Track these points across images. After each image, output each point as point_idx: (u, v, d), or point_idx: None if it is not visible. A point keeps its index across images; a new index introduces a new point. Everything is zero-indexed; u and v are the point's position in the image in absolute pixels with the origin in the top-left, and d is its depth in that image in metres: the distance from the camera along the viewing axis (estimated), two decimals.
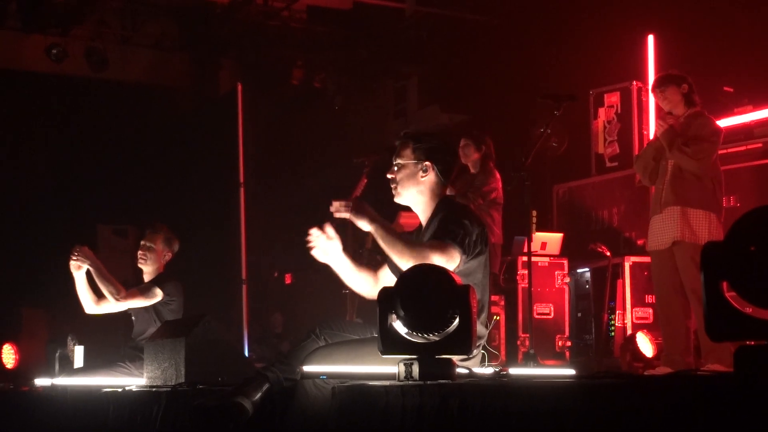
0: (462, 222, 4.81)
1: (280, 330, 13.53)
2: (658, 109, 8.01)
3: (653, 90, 7.39)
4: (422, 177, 5.00)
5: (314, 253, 5.08)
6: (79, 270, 7.56)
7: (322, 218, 5.12)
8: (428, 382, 3.97)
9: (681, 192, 7.05)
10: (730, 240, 3.26)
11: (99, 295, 7.68)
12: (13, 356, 9.36)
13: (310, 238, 5.06)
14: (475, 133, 9.45)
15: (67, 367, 7.58)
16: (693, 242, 6.93)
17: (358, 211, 4.84)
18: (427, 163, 5.00)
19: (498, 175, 9.18)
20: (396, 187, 5.04)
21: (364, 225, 4.87)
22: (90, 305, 7.74)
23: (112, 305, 7.67)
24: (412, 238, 5.05)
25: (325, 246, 5.07)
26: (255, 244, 11.26)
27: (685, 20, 10.20)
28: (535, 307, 9.38)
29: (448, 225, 4.82)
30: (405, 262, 4.69)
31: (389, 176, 5.07)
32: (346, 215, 4.89)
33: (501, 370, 4.67)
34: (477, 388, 3.76)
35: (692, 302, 6.98)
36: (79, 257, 7.48)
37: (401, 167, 5.02)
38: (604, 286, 9.36)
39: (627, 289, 9.28)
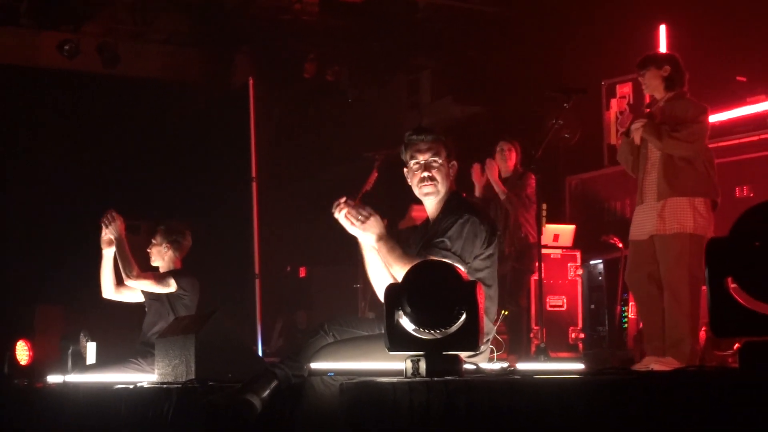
0: (462, 228, 4.78)
1: (304, 327, 13.56)
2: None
3: (637, 73, 7.07)
4: (451, 176, 5.02)
5: (346, 221, 4.83)
6: (109, 246, 7.60)
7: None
8: (435, 379, 3.96)
9: (675, 181, 6.76)
10: (734, 235, 3.24)
11: (120, 281, 7.73)
12: (27, 353, 9.37)
13: (342, 204, 4.82)
14: (510, 137, 9.50)
15: (79, 363, 7.61)
16: (674, 232, 6.71)
17: (368, 224, 4.78)
18: (454, 162, 5.02)
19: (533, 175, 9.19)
20: (436, 185, 4.98)
21: (371, 240, 4.81)
22: (109, 289, 7.81)
23: (131, 293, 7.75)
24: (411, 252, 4.96)
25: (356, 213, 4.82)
26: (267, 239, 11.26)
27: (698, 10, 10.15)
28: (548, 300, 9.39)
29: (444, 233, 4.80)
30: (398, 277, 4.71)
31: (427, 174, 4.96)
32: (350, 225, 4.81)
33: (508, 366, 4.66)
34: (484, 384, 3.75)
35: (667, 296, 6.75)
36: (111, 223, 7.53)
37: (441, 166, 4.99)
38: (617, 278, 9.33)
39: None
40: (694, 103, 6.91)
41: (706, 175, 6.77)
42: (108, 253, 7.69)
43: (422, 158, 4.99)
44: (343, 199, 4.84)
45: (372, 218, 4.80)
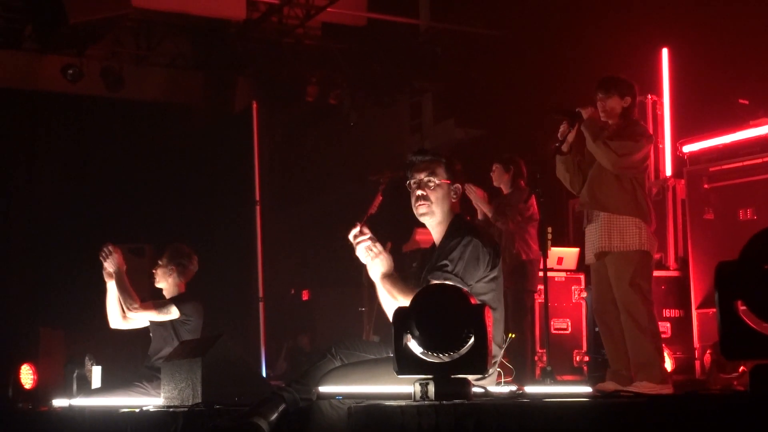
0: (465, 250, 4.79)
1: (309, 350, 13.55)
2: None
3: (596, 91, 6.92)
4: (453, 198, 5.01)
5: (360, 251, 4.81)
6: (112, 279, 7.60)
7: (338, 234, 5.08)
8: (444, 402, 3.96)
9: (599, 195, 6.73)
10: (744, 259, 3.25)
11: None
12: (32, 376, 9.37)
13: (355, 233, 4.80)
14: (506, 156, 9.54)
15: (84, 387, 7.60)
16: (621, 250, 6.61)
17: (377, 260, 4.77)
18: (458, 185, 5.01)
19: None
20: (430, 206, 4.97)
21: (375, 275, 4.81)
22: (116, 319, 7.79)
23: (134, 320, 7.72)
24: (413, 282, 4.96)
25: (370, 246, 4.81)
26: (271, 261, 11.27)
27: (700, 33, 10.18)
28: (552, 322, 9.38)
29: (446, 256, 4.81)
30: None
31: (421, 193, 4.97)
32: (363, 256, 4.79)
33: (517, 389, 4.66)
34: (493, 407, 3.75)
35: (624, 318, 6.60)
36: (108, 257, 7.52)
37: (437, 186, 4.97)
38: None
39: None
40: (641, 126, 6.93)
41: (632, 194, 6.67)
42: (112, 286, 7.68)
43: (418, 177, 5.00)
44: (358, 229, 4.80)
45: (381, 256, 4.78)
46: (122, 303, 7.56)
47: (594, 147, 6.73)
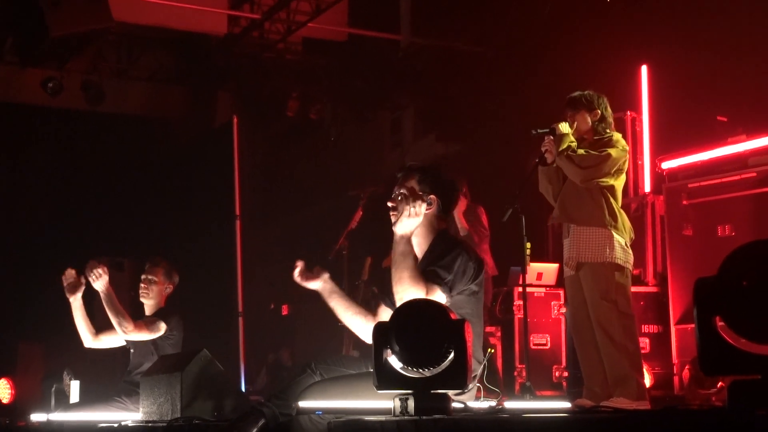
0: (454, 261, 4.79)
1: (289, 365, 13.52)
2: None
3: (565, 109, 6.91)
4: (426, 210, 4.99)
5: (299, 278, 5.09)
6: (74, 294, 7.46)
7: (318, 249, 5.12)
8: (424, 417, 3.97)
9: (568, 207, 6.73)
10: (722, 275, 3.27)
11: (97, 328, 7.64)
12: (9, 391, 9.34)
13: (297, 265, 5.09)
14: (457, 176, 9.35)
15: (63, 402, 7.55)
16: (591, 261, 6.59)
17: (409, 219, 4.76)
18: (432, 196, 4.99)
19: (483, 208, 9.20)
20: (396, 215, 4.95)
21: (399, 230, 4.79)
22: (88, 339, 7.66)
23: (113, 339, 7.63)
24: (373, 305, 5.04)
25: (311, 273, 5.10)
26: (251, 276, 11.26)
27: (679, 50, 10.23)
28: (531, 338, 9.39)
29: (439, 265, 4.81)
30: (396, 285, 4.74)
31: (390, 204, 4.94)
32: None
33: (497, 404, 4.67)
34: (472, 423, 3.77)
35: (598, 333, 6.56)
36: (96, 274, 7.25)
37: (404, 197, 4.98)
38: None
39: None
40: (615, 140, 6.82)
41: (602, 206, 6.63)
42: (75, 302, 7.49)
43: (395, 192, 5.01)
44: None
45: (416, 219, 4.77)
46: (116, 325, 7.33)
47: (558, 161, 6.76)
